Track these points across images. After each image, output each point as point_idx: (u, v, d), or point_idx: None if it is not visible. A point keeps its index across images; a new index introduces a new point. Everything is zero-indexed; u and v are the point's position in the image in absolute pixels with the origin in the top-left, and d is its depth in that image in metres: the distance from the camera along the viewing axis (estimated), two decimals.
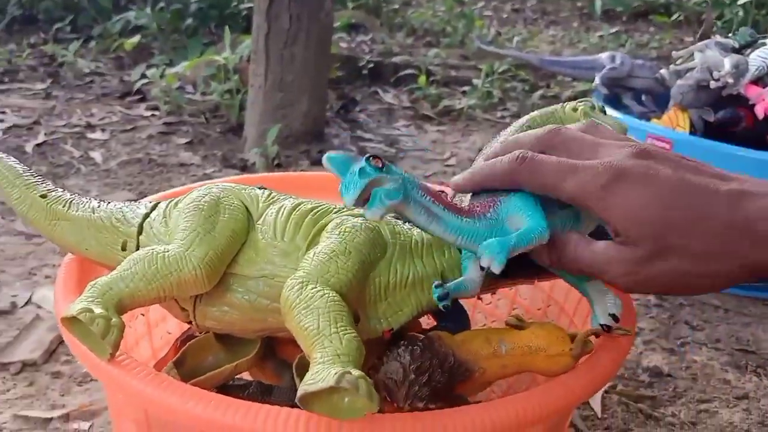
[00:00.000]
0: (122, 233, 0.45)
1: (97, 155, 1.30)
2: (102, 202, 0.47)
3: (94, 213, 0.46)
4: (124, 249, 0.45)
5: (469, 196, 0.40)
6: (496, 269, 0.33)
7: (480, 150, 0.48)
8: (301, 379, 0.41)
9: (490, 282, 0.41)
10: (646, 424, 0.64)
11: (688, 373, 0.74)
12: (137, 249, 0.44)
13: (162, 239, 0.43)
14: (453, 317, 0.47)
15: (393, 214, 0.46)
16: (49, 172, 1.21)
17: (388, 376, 0.38)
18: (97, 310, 0.36)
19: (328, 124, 1.52)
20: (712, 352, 0.78)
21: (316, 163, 1.33)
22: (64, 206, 0.46)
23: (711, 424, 0.65)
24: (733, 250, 0.32)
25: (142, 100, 1.69)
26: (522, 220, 0.36)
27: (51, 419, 0.61)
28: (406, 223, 0.44)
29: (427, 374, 0.38)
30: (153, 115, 1.58)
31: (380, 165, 0.35)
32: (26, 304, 0.79)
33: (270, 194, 0.45)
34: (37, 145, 1.34)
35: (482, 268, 0.35)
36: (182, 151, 1.36)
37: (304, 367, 0.42)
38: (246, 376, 0.49)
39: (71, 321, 0.37)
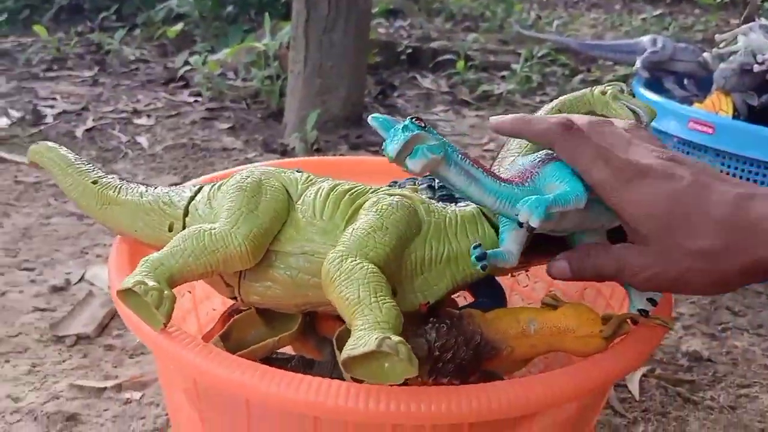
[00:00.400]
0: (169, 215, 0.47)
1: (143, 140, 1.35)
2: (149, 187, 0.49)
3: (142, 197, 0.48)
4: (170, 230, 0.47)
5: (507, 167, 0.42)
6: (535, 223, 0.35)
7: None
8: (341, 351, 0.43)
9: (524, 258, 0.42)
10: (684, 407, 0.64)
11: (729, 358, 0.73)
12: (183, 230, 0.46)
13: (207, 220, 0.45)
14: (489, 294, 0.48)
15: (429, 194, 0.48)
16: (98, 156, 1.26)
17: (413, 352, 0.39)
18: (151, 283, 0.38)
19: (366, 109, 1.54)
20: (754, 337, 0.77)
21: (355, 147, 1.34)
22: (113, 191, 0.49)
23: (751, 409, 0.65)
24: (737, 248, 0.32)
25: (186, 86, 1.74)
26: (560, 187, 0.37)
27: (104, 389, 0.64)
28: (440, 203, 0.45)
29: (452, 351, 0.39)
30: (196, 101, 1.62)
31: (423, 125, 0.36)
32: (79, 281, 0.83)
33: (308, 177, 0.47)
34: (87, 130, 1.39)
35: (520, 225, 0.36)
36: (224, 136, 1.39)
37: (344, 339, 0.44)
38: (289, 350, 0.51)
39: (126, 293, 0.39)
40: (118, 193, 0.49)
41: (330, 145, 1.34)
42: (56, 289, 0.81)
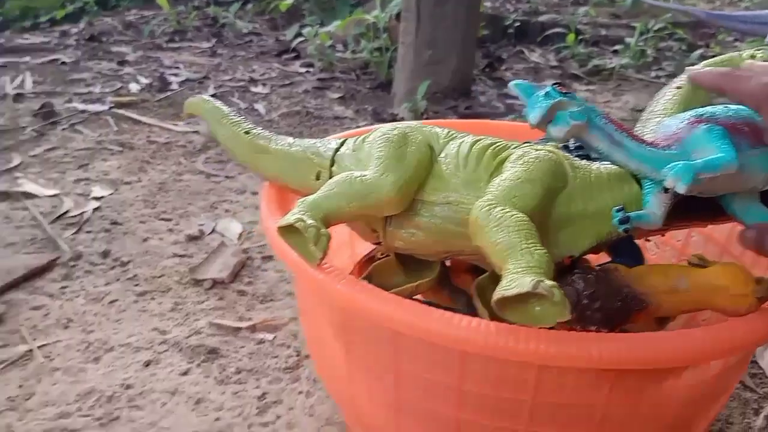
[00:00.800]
0: (316, 165, 0.50)
1: (260, 107, 1.41)
2: (296, 138, 0.53)
3: (291, 147, 0.52)
4: (318, 178, 0.50)
5: (652, 129, 0.41)
6: (682, 189, 0.34)
7: (640, 110, 0.48)
8: (480, 299, 0.45)
9: (667, 220, 0.42)
10: None
11: None
12: (330, 178, 0.49)
13: (352, 169, 0.47)
14: (628, 254, 0.48)
15: (571, 153, 0.48)
16: None
17: None
18: (309, 221, 0.41)
19: (474, 81, 1.53)
20: None
21: (464, 118, 1.34)
22: (264, 141, 0.53)
23: None
24: None
25: (297, 57, 1.80)
26: (710, 152, 0.36)
27: (240, 329, 0.69)
28: (584, 160, 0.45)
29: (600, 301, 0.39)
30: (307, 71, 1.67)
31: (565, 91, 0.37)
32: (211, 232, 0.89)
33: (449, 132, 0.48)
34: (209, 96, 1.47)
35: (666, 190, 0.36)
36: (336, 105, 1.44)
37: (483, 287, 0.46)
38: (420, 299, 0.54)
39: (285, 230, 0.42)
40: (269, 143, 0.53)
41: (439, 115, 1.35)
42: (192, 238, 0.87)
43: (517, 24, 2.06)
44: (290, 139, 0.53)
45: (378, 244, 0.49)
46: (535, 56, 1.90)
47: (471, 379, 0.40)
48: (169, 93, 1.49)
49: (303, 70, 1.68)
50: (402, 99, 1.40)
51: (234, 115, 0.56)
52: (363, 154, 0.48)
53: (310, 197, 0.44)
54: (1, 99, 1.40)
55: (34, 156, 1.12)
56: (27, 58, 1.73)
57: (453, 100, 1.41)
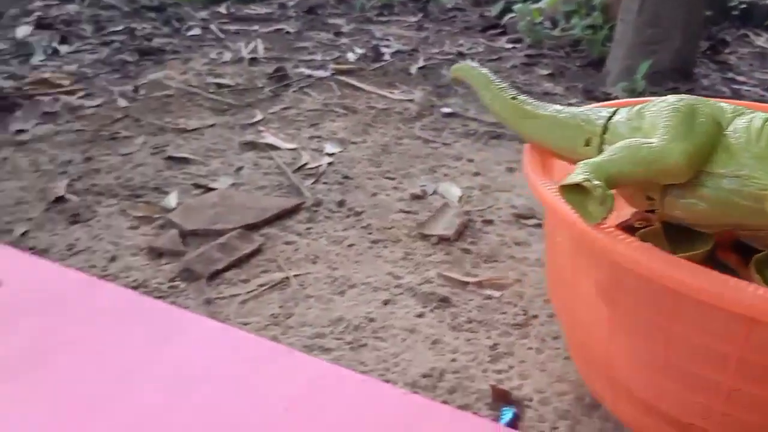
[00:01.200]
0: (587, 131, 0.52)
1: None
2: (563, 106, 0.55)
3: (559, 114, 0.54)
4: (587, 145, 0.52)
5: None
6: None
7: None
8: (761, 276, 0.44)
9: None
10: None
11: None
12: (600, 146, 0.51)
13: (628, 137, 0.48)
14: None
15: None
16: (433, 91, 1.39)
17: None
18: (595, 182, 0.43)
19: (695, 63, 1.44)
20: None
21: None
22: (531, 107, 0.56)
23: None
24: None
25: (502, 33, 1.80)
26: None
27: (467, 283, 0.74)
28: None
29: None
30: (514, 47, 1.67)
31: None
32: (433, 193, 0.95)
33: (735, 108, 0.48)
34: (419, 68, 1.53)
35: None
36: (544, 82, 1.43)
37: (761, 264, 0.45)
38: None
39: (567, 189, 0.44)
40: (536, 108, 0.55)
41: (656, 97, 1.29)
42: (415, 197, 0.93)
43: (743, 6, 1.88)
44: (558, 106, 0.55)
45: (650, 212, 0.49)
46: (761, 41, 1.73)
47: (756, 349, 0.39)
48: (382, 63, 1.58)
49: (509, 45, 1.69)
50: (616, 78, 1.36)
51: (500, 82, 0.59)
52: (644, 123, 0.48)
53: (594, 159, 0.46)
54: (238, 62, 1.58)
55: (272, 113, 1.25)
56: (256, 27, 1.92)
57: (672, 81, 1.33)
